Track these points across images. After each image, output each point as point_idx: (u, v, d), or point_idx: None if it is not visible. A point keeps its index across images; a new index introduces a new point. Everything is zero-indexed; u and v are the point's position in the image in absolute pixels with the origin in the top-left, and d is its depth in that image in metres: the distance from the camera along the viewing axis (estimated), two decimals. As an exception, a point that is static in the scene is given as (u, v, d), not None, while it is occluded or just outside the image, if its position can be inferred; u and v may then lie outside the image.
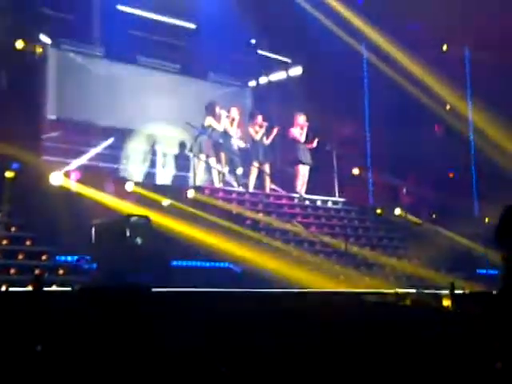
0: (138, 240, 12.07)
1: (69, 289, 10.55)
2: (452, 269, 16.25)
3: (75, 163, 16.14)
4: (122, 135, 18.43)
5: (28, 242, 13.04)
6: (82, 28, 17.20)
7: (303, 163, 18.04)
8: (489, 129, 19.00)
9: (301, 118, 18.13)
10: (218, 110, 17.45)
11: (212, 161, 17.31)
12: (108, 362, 6.52)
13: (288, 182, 18.65)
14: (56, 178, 13.97)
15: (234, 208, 16.46)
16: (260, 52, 20.26)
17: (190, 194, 15.72)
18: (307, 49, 19.65)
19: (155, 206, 14.09)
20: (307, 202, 18.26)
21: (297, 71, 20.74)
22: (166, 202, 14.58)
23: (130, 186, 14.83)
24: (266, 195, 17.81)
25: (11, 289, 10.17)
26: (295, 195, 18.15)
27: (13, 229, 13.18)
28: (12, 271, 12.13)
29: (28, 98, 14.88)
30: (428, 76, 18.86)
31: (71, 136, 17.14)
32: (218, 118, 17.35)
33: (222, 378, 6.64)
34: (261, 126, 17.87)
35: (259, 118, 17.99)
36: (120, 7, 17.81)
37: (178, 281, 11.14)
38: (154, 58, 19.14)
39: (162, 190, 15.57)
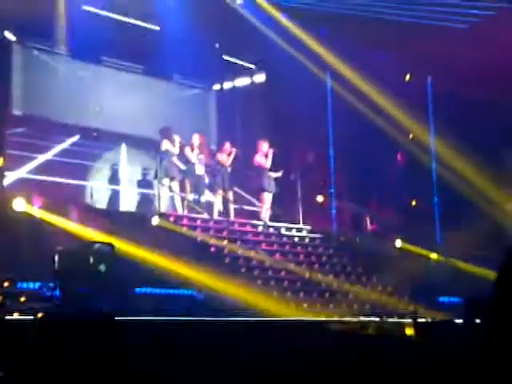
0: (102, 267, 12.01)
1: (31, 317, 10.43)
2: (414, 296, 16.35)
3: (39, 160, 16.28)
4: (85, 134, 18.37)
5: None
6: (47, 27, 17.10)
7: (268, 191, 18.01)
8: (451, 157, 19.23)
9: (264, 145, 18.02)
10: (173, 134, 17.31)
11: (175, 185, 17.23)
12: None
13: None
14: (18, 204, 13.89)
15: (199, 235, 16.43)
16: (225, 57, 20.31)
17: (155, 221, 15.69)
18: (272, 58, 19.64)
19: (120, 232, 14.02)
20: (271, 230, 18.26)
21: (260, 78, 20.85)
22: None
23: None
24: (231, 222, 17.80)
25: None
26: (259, 222, 18.14)
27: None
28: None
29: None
30: (391, 105, 19.06)
31: (36, 132, 17.18)
32: (173, 142, 17.23)
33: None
34: (229, 154, 17.85)
35: (227, 145, 17.98)
36: (85, 7, 17.77)
37: (140, 308, 11.11)
38: (118, 58, 19.11)
39: (127, 217, 15.53)
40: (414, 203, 20.45)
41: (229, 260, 15.94)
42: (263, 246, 17.41)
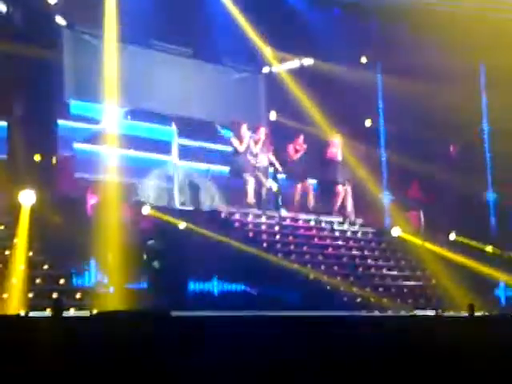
0: (156, 263, 12.09)
1: (87, 313, 10.55)
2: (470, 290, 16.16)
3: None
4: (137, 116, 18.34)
5: (45, 266, 13.04)
6: (97, 10, 16.89)
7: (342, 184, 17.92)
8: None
9: (337, 139, 18.03)
10: (243, 130, 17.30)
11: (251, 181, 17.13)
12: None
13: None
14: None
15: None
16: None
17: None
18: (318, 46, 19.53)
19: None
20: (323, 224, 18.12)
21: (309, 61, 20.53)
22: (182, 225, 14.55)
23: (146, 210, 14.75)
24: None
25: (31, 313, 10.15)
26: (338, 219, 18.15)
27: (30, 253, 13.16)
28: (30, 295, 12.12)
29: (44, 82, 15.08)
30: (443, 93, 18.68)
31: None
32: (240, 139, 17.24)
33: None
34: (300, 147, 17.83)
35: (301, 138, 17.96)
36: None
37: (196, 304, 11.16)
38: (167, 42, 18.98)
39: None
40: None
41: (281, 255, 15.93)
42: (316, 240, 17.34)
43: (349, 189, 18.06)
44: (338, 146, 17.98)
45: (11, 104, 14.93)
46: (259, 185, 17.34)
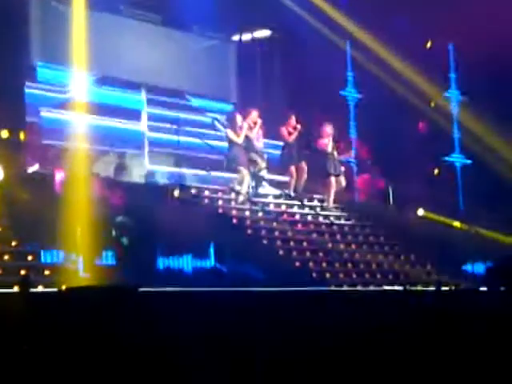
0: (124, 240, 12.06)
1: (55, 290, 10.51)
2: (438, 265, 16.32)
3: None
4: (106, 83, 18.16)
5: (14, 243, 12.97)
6: None
7: (334, 175, 17.72)
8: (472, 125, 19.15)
9: (329, 128, 17.70)
10: (239, 120, 16.98)
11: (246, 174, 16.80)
12: (93, 362, 6.52)
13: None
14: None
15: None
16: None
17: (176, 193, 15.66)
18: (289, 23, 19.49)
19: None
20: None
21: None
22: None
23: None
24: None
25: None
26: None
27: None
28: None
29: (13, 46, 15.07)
30: (412, 72, 18.89)
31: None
32: (237, 130, 16.89)
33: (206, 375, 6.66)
34: (295, 128, 17.40)
35: (293, 120, 17.52)
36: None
37: (165, 280, 11.15)
38: (137, 8, 18.87)
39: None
40: (436, 172, 20.36)
41: (251, 231, 15.96)
42: (285, 216, 17.38)
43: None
44: (329, 136, 17.69)
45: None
46: (254, 174, 17.08)
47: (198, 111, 19.26)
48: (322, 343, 7.04)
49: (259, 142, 17.44)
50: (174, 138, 17.42)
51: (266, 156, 17.63)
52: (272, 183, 18.23)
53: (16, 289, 9.62)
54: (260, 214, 16.87)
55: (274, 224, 16.71)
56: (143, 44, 18.65)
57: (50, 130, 16.43)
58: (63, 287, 10.34)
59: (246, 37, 20.94)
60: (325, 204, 17.95)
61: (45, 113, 16.60)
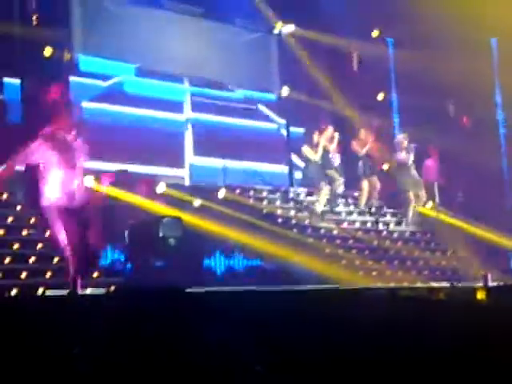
0: (171, 241, 12.16)
1: (103, 291, 10.66)
2: (485, 260, 16.18)
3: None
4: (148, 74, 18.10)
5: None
6: None
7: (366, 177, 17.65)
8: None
9: (363, 133, 17.61)
10: (315, 137, 16.80)
11: (324, 193, 16.60)
12: (145, 364, 6.59)
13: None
14: (87, 182, 14.08)
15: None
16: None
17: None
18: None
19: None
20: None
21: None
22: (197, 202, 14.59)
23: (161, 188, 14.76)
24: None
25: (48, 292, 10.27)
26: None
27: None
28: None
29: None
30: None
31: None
32: (314, 147, 16.73)
33: (257, 377, 6.68)
34: (332, 139, 17.22)
35: (329, 130, 17.28)
36: None
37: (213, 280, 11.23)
38: (179, 1, 18.80)
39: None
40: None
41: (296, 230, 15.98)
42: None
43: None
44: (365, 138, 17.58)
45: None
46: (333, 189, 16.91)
47: (241, 101, 19.16)
48: (375, 342, 7.03)
49: (336, 158, 17.24)
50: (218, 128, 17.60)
51: (342, 171, 17.42)
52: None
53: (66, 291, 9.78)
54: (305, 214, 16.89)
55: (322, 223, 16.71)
56: (186, 37, 18.60)
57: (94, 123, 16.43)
58: (112, 288, 10.52)
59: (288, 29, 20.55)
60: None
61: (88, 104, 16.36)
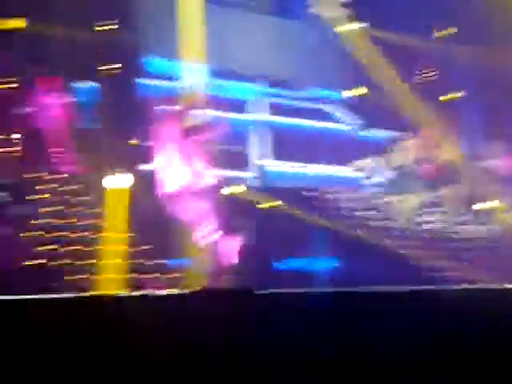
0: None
1: (183, 292, 10.87)
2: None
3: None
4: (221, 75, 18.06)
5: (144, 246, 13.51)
6: None
7: None
8: None
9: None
10: (410, 142, 16.70)
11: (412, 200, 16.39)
12: (214, 359, 6.77)
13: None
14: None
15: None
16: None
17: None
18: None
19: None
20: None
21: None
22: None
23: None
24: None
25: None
26: None
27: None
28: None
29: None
30: None
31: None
32: (407, 152, 16.66)
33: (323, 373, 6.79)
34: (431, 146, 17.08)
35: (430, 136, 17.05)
36: None
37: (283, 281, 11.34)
38: None
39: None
40: None
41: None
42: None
43: None
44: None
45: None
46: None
47: (316, 101, 19.08)
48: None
49: (430, 164, 16.85)
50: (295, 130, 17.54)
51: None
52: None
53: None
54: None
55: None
56: (258, 35, 18.64)
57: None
58: (187, 290, 10.75)
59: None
60: None
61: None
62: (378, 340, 7.44)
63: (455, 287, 13.03)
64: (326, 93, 19.26)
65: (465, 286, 13.37)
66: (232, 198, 14.57)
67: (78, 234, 13.28)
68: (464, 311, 8.20)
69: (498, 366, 6.44)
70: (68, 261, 12.80)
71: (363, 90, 18.74)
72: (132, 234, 13.67)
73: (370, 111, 18.24)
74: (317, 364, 7.01)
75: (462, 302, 9.19)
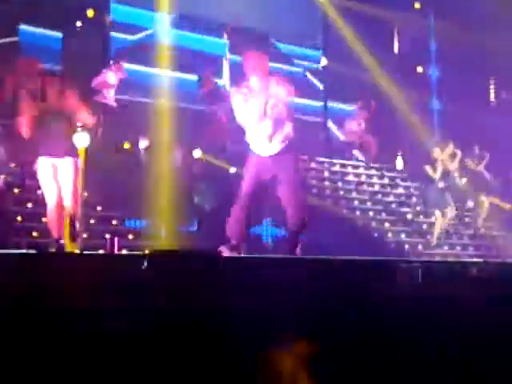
0: (206, 207, 12.18)
1: (140, 253, 10.68)
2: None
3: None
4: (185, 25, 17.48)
5: (98, 208, 13.26)
6: None
7: None
8: None
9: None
10: (437, 154, 15.65)
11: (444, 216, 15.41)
12: (176, 328, 6.60)
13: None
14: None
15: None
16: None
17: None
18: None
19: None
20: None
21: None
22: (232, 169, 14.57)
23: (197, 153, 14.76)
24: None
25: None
26: None
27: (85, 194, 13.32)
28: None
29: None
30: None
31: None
32: (434, 165, 15.62)
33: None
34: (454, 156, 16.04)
35: (450, 148, 15.95)
36: None
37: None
38: None
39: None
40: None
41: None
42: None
43: None
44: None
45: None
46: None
47: (285, 59, 18.48)
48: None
49: (459, 179, 16.11)
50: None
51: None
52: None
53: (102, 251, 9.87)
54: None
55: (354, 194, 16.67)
56: None
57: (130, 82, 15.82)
58: (147, 251, 10.52)
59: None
60: None
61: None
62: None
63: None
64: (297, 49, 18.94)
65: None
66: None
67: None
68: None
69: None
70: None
71: (325, 61, 18.52)
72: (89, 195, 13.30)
73: (336, 83, 18.02)
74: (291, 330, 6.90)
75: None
